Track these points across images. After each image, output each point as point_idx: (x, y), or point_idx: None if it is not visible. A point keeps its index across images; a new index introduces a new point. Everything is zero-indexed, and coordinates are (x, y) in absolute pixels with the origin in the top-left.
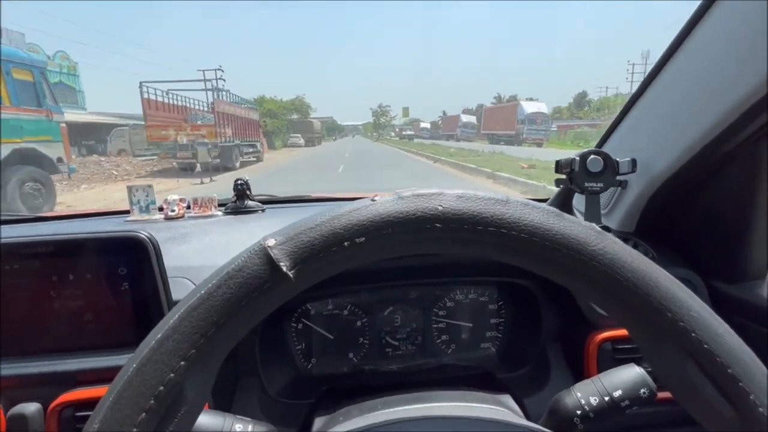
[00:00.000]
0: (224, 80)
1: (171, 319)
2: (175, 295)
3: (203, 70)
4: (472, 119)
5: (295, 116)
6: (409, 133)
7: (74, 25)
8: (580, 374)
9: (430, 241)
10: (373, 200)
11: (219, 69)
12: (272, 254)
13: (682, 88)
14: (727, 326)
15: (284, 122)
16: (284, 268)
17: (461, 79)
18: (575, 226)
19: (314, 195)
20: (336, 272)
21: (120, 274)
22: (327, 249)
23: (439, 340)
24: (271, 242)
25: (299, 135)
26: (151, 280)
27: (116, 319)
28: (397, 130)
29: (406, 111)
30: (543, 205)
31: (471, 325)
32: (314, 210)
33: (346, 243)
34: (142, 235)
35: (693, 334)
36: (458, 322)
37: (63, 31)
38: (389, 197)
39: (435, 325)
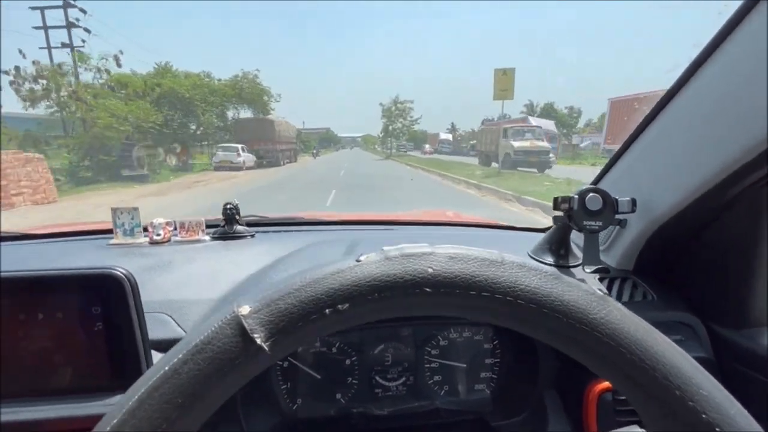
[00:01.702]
0: (87, 31)
1: (130, 400)
2: (153, 334)
3: (41, 8)
4: (549, 125)
5: (243, 111)
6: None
7: None
8: (579, 426)
9: (419, 306)
10: (358, 261)
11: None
12: (246, 324)
13: (686, 130)
14: (740, 407)
15: (210, 118)
16: (258, 340)
17: (471, 88)
18: (574, 290)
19: (305, 217)
20: (315, 339)
21: (94, 313)
22: (306, 318)
23: (431, 381)
24: (245, 310)
25: (239, 147)
26: (127, 320)
27: (88, 362)
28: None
29: (505, 79)
30: (540, 265)
31: (465, 365)
32: (305, 236)
33: (327, 310)
34: (119, 273)
35: (704, 416)
36: (451, 362)
37: None
38: (376, 257)
39: (427, 365)
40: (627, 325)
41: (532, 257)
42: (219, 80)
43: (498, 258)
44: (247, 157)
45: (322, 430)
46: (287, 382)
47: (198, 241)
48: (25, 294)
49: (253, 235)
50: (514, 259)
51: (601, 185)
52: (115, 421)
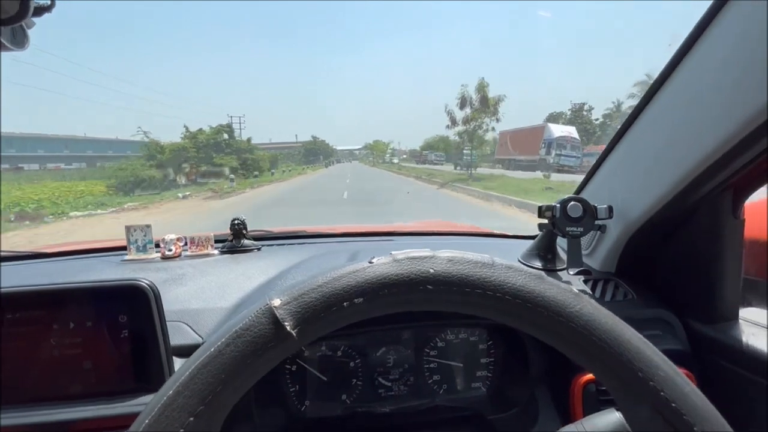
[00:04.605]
0: None
1: (182, 375)
2: (173, 340)
3: None
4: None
5: None
6: None
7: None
8: (567, 416)
9: (422, 302)
10: (370, 262)
11: None
12: (278, 314)
13: (650, 144)
14: (692, 385)
15: None
16: (288, 328)
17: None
18: (554, 288)
19: (309, 231)
20: (334, 329)
21: (120, 321)
22: (328, 309)
23: (431, 381)
24: (276, 302)
25: None
26: (151, 328)
27: (115, 367)
28: None
29: None
30: (525, 267)
31: (462, 365)
32: (309, 248)
33: (345, 303)
34: (144, 284)
35: (662, 393)
36: (449, 362)
37: None
38: (385, 260)
39: (427, 365)
40: (598, 316)
41: (521, 262)
42: None
43: (489, 261)
44: None
45: (329, 429)
46: (296, 384)
47: (207, 255)
48: (56, 305)
49: (259, 249)
50: (503, 262)
51: (583, 194)
52: (171, 392)
